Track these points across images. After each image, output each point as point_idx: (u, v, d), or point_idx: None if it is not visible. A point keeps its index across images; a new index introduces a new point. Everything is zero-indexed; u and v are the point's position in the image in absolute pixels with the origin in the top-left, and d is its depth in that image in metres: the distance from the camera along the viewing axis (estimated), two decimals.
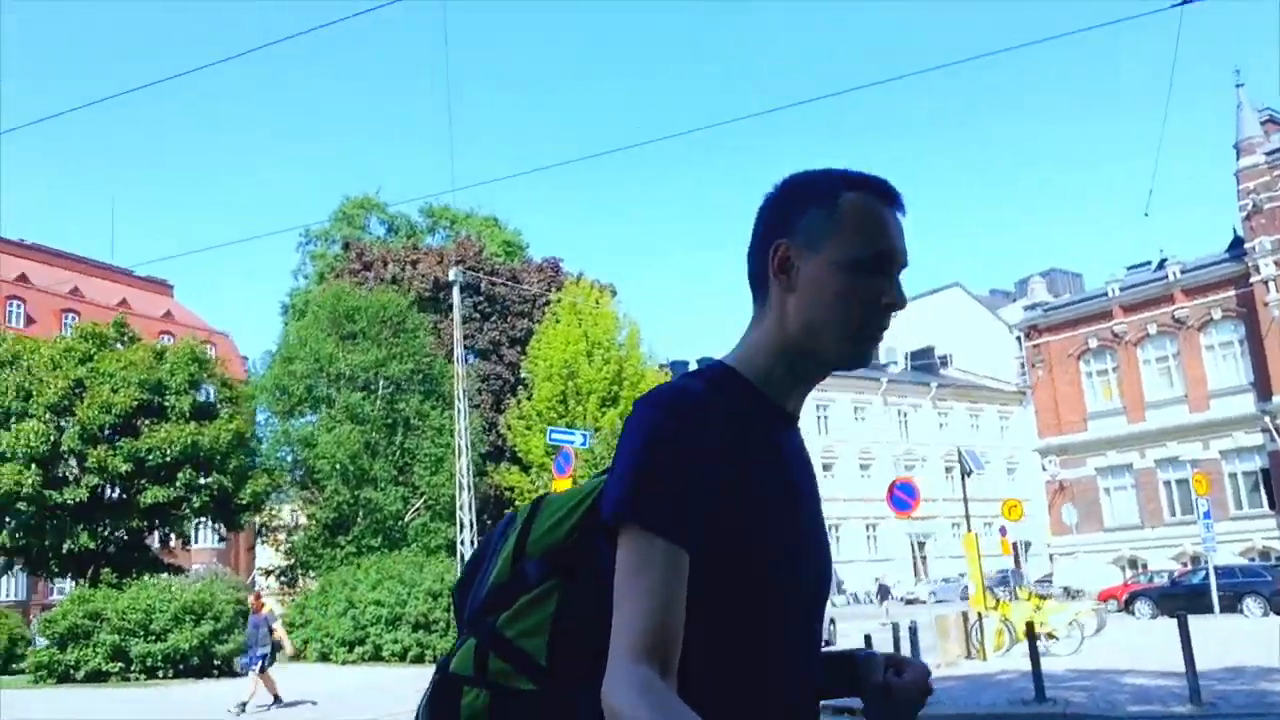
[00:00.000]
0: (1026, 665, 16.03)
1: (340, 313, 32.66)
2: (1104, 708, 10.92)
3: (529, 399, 36.96)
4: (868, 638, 13.79)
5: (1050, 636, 17.39)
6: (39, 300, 58.74)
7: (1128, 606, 30.41)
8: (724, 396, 1.24)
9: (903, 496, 17.50)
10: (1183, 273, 40.96)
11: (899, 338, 73.06)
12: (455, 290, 30.71)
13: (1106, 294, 44.09)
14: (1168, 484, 40.85)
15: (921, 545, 64.50)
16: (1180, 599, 28.75)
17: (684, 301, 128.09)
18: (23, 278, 59.03)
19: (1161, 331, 41.62)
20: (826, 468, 61.29)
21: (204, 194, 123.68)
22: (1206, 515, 27.29)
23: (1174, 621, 26.33)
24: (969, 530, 18.51)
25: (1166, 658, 15.27)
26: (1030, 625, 12.12)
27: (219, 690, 19.50)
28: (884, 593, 46.01)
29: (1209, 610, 26.03)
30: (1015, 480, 66.36)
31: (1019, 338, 52.50)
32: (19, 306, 57.37)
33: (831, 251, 1.27)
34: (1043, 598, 18.44)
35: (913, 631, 12.88)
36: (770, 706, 1.21)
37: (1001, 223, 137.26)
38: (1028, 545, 56.93)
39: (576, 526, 1.28)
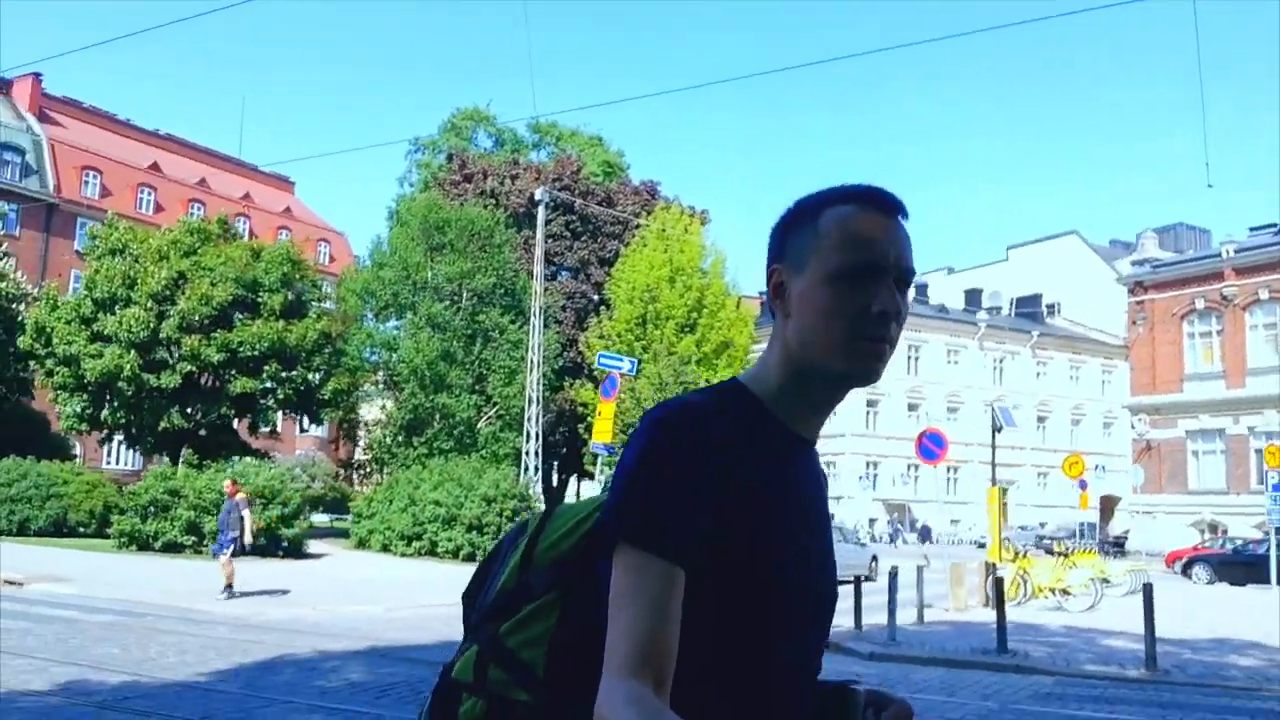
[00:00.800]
0: (1032, 617, 16.44)
1: (431, 224, 33.74)
2: (1059, 664, 11.21)
3: (610, 319, 37.71)
4: (858, 580, 14.23)
5: (1065, 593, 17.55)
6: (169, 189, 61.64)
7: (1186, 571, 29.90)
8: (731, 412, 1.24)
9: (930, 446, 17.71)
10: None
11: (1005, 283, 71.08)
12: (540, 211, 31.44)
13: (1220, 255, 42.20)
14: (1259, 452, 39.39)
15: (1004, 492, 63.60)
16: (1239, 567, 28.28)
17: None
18: (154, 166, 61.99)
19: (1273, 297, 39.75)
20: (912, 408, 60.80)
21: (329, 98, 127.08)
22: (1275, 488, 26.53)
23: (1233, 589, 26.07)
24: (993, 483, 18.62)
25: (1176, 623, 15.39)
26: (999, 581, 12.41)
27: (281, 568, 21.21)
28: (925, 534, 46.11)
29: (1265, 580, 25.54)
30: (1110, 436, 64.60)
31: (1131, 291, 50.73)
32: (150, 194, 60.36)
33: (815, 268, 1.26)
34: (1065, 554, 18.45)
35: (892, 579, 13.24)
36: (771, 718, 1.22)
37: (1140, 172, 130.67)
38: (1117, 501, 55.99)
39: (583, 538, 1.28)
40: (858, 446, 59.21)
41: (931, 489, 61.30)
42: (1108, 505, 58.69)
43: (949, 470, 61.98)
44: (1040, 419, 65.28)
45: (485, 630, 1.29)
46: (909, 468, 61.51)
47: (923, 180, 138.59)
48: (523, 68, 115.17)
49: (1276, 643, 13.05)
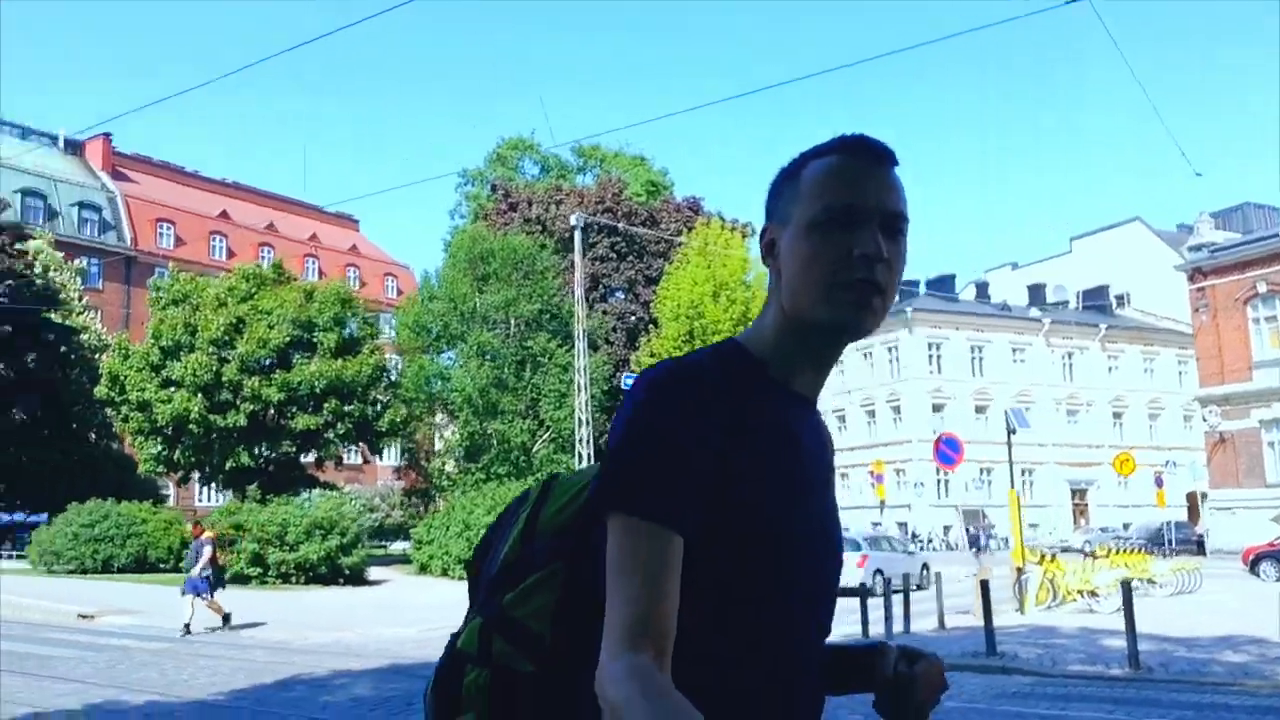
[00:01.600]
0: (1055, 620, 16.57)
1: (476, 254, 34.90)
2: (1045, 665, 11.47)
3: (658, 338, 38.37)
4: (863, 588, 14.56)
5: (1093, 594, 17.60)
6: (239, 235, 64.36)
7: (1254, 568, 29.22)
8: (727, 372, 1.21)
9: (947, 451, 18.00)
10: None
11: (1070, 276, 69.84)
12: (577, 235, 32.27)
13: (1278, 235, 41.15)
14: None
15: (1082, 493, 62.50)
16: None
17: None
18: (224, 214, 64.79)
19: None
20: (980, 410, 60.03)
21: (390, 135, 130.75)
22: None
23: None
24: (1012, 486, 18.72)
25: (1198, 622, 15.41)
26: (984, 584, 12.65)
27: (340, 596, 22.29)
28: (975, 541, 45.60)
29: None
30: (1191, 429, 62.77)
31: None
32: (221, 241, 63.11)
33: (798, 219, 1.25)
34: (1095, 555, 18.46)
35: (888, 585, 13.57)
36: (766, 689, 1.19)
37: (1210, 156, 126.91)
38: (1204, 498, 54.50)
39: (583, 508, 1.26)
40: (926, 452, 58.62)
41: (1006, 493, 60.48)
42: (1195, 502, 57.15)
43: (1023, 473, 60.96)
44: (1116, 415, 63.92)
45: (491, 602, 1.29)
46: (981, 471, 60.64)
47: (981, 175, 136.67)
48: (569, 92, 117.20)
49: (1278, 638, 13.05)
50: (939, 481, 59.09)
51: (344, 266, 68.47)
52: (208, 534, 16.52)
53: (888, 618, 13.29)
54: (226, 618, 15.67)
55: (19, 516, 39.33)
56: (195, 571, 15.63)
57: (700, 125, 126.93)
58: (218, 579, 16.11)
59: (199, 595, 15.42)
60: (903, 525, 57.27)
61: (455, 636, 1.34)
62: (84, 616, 17.22)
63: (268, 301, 29.91)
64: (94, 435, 38.48)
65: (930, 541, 56.39)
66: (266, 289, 30.64)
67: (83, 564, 26.22)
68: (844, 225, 1.22)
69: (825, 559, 1.27)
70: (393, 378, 33.24)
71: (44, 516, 32.26)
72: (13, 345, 33.92)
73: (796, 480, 1.23)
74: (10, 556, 34.57)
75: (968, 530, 55.61)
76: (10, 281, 34.69)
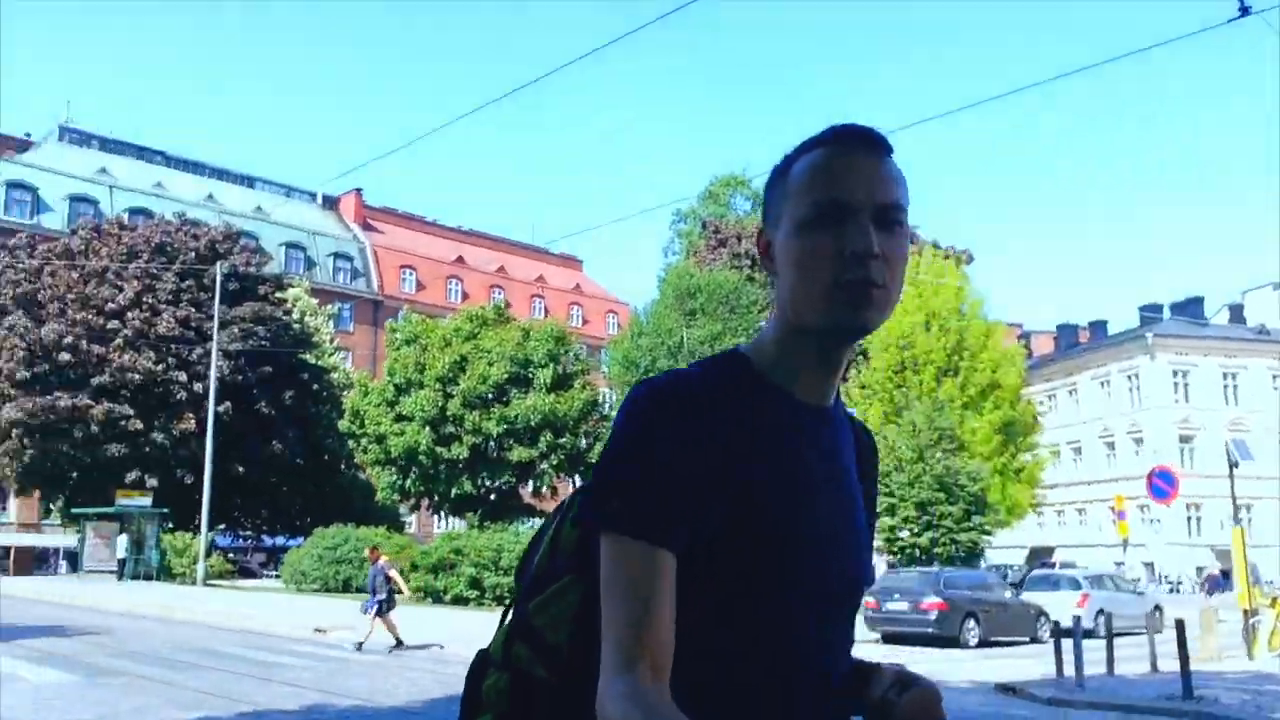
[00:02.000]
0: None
1: (683, 290, 35.82)
2: (1246, 712, 10.65)
3: (869, 369, 37.94)
4: (1057, 626, 13.91)
5: None
6: (473, 278, 68.78)
7: None
8: (719, 381, 1.19)
9: (1161, 485, 16.98)
10: None
11: None
12: None
13: None
14: None
15: None
16: None
17: (1077, 264, 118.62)
18: (460, 259, 69.49)
19: None
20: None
21: (611, 176, 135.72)
22: None
23: None
24: (1236, 524, 17.28)
25: None
26: (1180, 623, 11.82)
27: None
28: (1214, 584, 41.79)
29: None
30: None
31: None
32: (457, 284, 67.67)
33: (789, 219, 1.21)
34: None
35: (1077, 624, 12.93)
36: (765, 685, 1.17)
37: None
38: None
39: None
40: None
41: (1267, 532, 55.00)
42: None
43: (1243, 509, 55.32)
44: None
45: (519, 609, 1.28)
46: (1239, 509, 55.33)
47: (1238, 184, 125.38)
48: (781, 131, 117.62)
49: None
50: (1189, 519, 54.63)
51: (568, 305, 71.74)
52: (385, 558, 17.32)
53: (1078, 657, 12.66)
54: (360, 645, 15.87)
55: (280, 540, 43.77)
56: (404, 589, 16.66)
57: (915, 149, 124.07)
58: (390, 602, 16.40)
59: (366, 611, 16.17)
60: (1149, 565, 53.28)
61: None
62: (318, 631, 19.00)
63: (489, 340, 31.94)
64: (342, 465, 42.22)
65: (1180, 582, 52.13)
66: (488, 329, 32.72)
67: (326, 583, 28.81)
68: (835, 221, 1.17)
69: (832, 560, 1.22)
70: (604, 411, 34.54)
71: (300, 539, 35.78)
72: (273, 384, 37.92)
73: (800, 482, 1.20)
74: (272, 576, 38.47)
75: (1222, 570, 50.88)
76: (272, 326, 38.79)
